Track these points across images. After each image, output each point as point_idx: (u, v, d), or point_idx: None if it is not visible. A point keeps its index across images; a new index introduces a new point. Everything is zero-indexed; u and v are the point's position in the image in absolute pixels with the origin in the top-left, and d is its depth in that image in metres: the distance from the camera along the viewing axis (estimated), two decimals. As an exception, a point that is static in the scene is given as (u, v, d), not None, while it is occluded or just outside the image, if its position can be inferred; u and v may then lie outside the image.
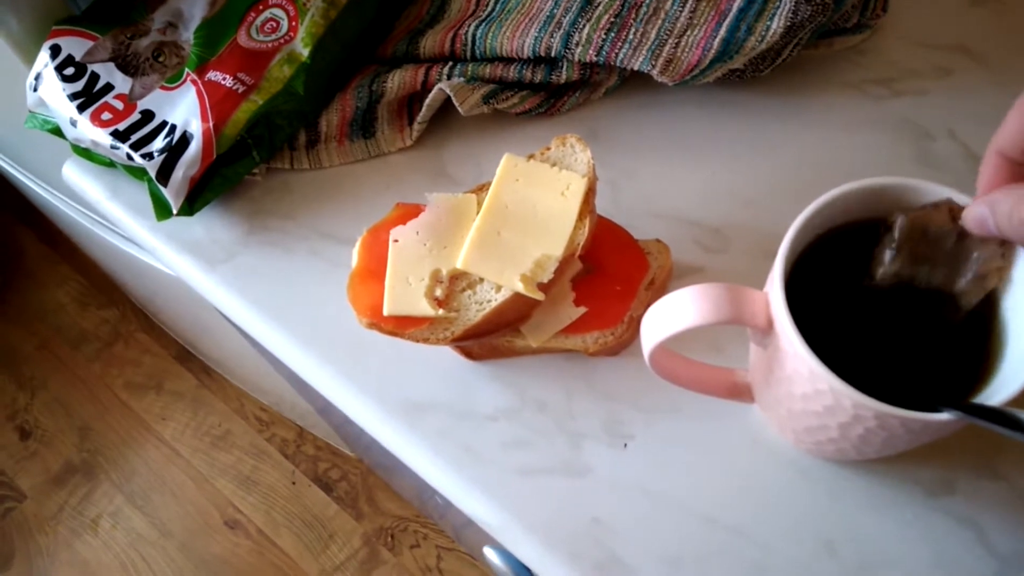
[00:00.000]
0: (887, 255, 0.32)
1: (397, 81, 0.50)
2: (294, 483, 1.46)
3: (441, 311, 0.39)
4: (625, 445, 0.41)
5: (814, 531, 0.38)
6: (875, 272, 0.32)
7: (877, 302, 0.35)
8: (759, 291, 0.33)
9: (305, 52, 0.48)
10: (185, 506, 1.45)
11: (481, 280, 0.40)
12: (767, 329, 0.32)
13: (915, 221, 0.31)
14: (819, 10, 0.45)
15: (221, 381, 1.55)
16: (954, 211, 0.31)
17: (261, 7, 0.50)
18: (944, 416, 0.28)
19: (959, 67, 0.51)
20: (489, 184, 0.41)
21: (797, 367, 0.31)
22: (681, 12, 0.47)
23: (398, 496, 1.42)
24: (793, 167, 0.48)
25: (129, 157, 0.47)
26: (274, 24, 0.49)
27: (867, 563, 0.37)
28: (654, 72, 0.47)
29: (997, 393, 0.30)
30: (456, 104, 0.48)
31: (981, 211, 0.30)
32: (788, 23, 0.45)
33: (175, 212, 0.47)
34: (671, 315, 0.33)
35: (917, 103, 0.49)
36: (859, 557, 0.38)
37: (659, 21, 0.47)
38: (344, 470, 1.46)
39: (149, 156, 0.47)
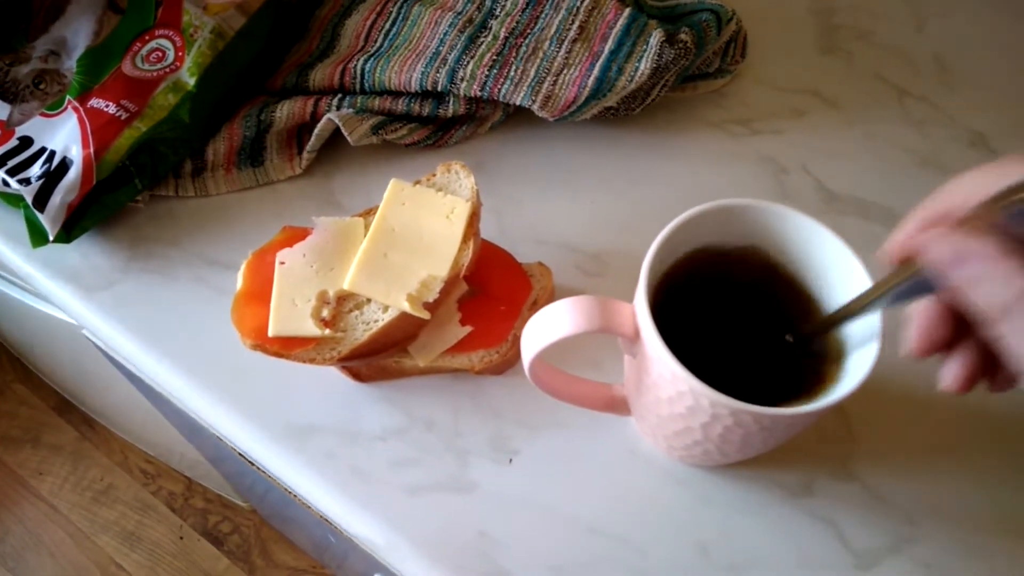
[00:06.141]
0: None
1: (286, 111, 0.50)
2: (182, 538, 1.39)
3: (327, 331, 0.40)
4: (510, 460, 0.42)
5: (688, 535, 0.40)
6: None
7: (734, 319, 0.38)
8: (627, 303, 0.35)
9: (191, 81, 0.49)
10: (63, 565, 1.35)
11: (368, 301, 0.41)
12: (635, 338, 0.34)
13: None
14: (682, 54, 0.49)
15: (104, 433, 1.47)
16: None
17: (147, 37, 0.50)
18: (787, 411, 0.31)
19: (811, 108, 0.56)
20: (376, 208, 0.43)
21: (661, 371, 0.33)
22: (558, 52, 0.50)
23: (294, 547, 1.37)
24: (664, 197, 0.51)
25: (5, 183, 0.46)
26: (160, 54, 0.49)
27: (736, 562, 0.40)
28: (535, 107, 0.49)
29: (835, 394, 0.32)
30: (345, 134, 0.49)
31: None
32: (654, 64, 0.49)
33: (51, 239, 0.46)
34: (548, 326, 0.34)
35: (774, 141, 0.54)
36: (729, 557, 0.40)
37: (538, 60, 0.50)
38: (236, 523, 1.41)
39: (26, 182, 0.46)
